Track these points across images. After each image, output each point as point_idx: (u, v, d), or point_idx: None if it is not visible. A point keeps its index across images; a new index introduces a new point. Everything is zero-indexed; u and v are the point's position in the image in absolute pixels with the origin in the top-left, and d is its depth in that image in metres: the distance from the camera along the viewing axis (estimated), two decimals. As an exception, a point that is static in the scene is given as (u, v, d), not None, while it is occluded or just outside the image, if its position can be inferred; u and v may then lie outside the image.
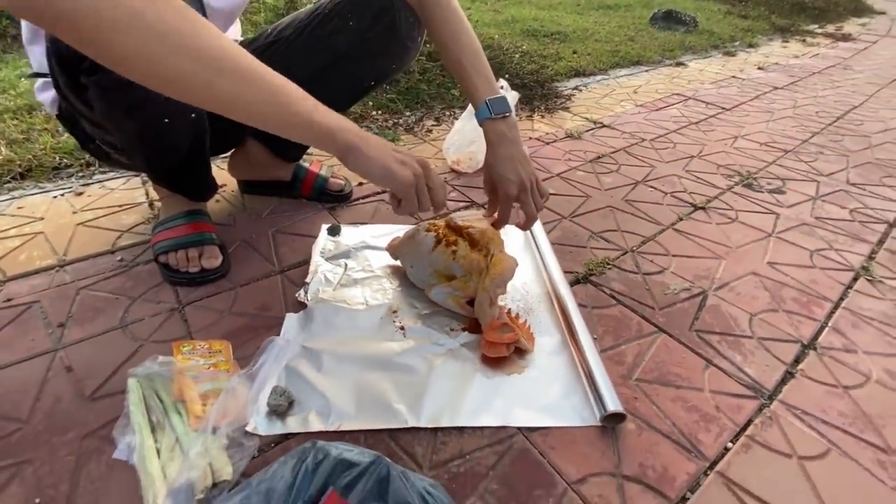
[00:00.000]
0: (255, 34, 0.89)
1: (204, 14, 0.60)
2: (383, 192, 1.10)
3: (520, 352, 0.68)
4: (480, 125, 0.73)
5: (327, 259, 0.86)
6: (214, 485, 0.48)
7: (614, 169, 1.30)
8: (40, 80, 0.71)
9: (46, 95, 0.70)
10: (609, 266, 0.89)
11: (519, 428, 0.58)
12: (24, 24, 0.67)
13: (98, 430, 0.55)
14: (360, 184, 1.12)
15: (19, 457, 0.52)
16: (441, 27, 0.75)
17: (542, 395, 0.62)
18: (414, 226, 0.81)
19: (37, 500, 0.48)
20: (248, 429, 0.55)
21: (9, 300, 0.73)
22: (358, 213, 1.02)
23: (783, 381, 0.67)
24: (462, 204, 1.09)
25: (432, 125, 1.51)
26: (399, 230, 0.93)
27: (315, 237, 0.91)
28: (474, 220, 0.76)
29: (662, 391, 0.64)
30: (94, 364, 0.63)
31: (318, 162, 1.07)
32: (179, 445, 0.52)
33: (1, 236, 0.87)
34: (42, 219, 0.92)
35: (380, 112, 1.52)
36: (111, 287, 0.77)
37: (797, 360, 0.71)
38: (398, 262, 0.83)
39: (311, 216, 0.99)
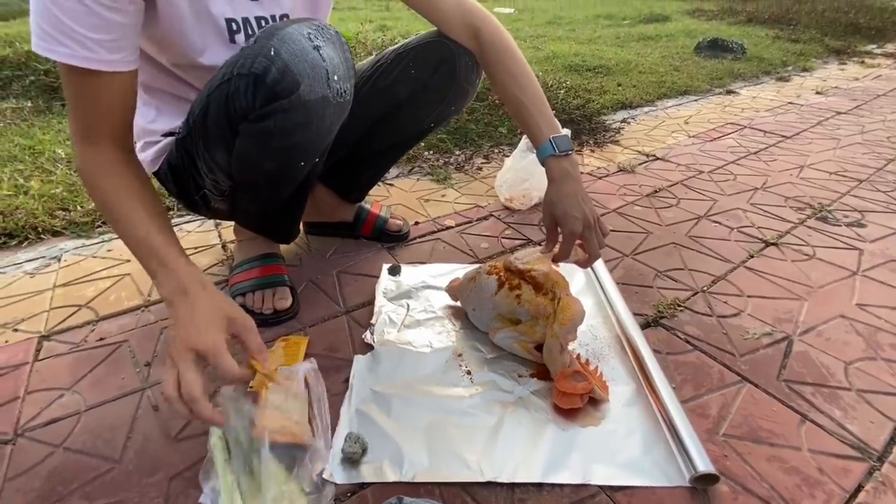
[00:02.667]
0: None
1: None
2: (439, 230, 1.12)
3: (594, 401, 0.65)
4: (542, 163, 0.74)
5: (390, 300, 0.87)
6: (297, 536, 0.48)
7: (673, 203, 1.26)
8: (144, 140, 0.78)
9: (145, 155, 0.77)
10: (680, 308, 0.85)
11: (601, 486, 0.55)
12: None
13: (184, 471, 0.57)
14: (416, 223, 1.14)
15: (113, 496, 0.54)
16: (500, 69, 0.77)
17: (621, 449, 0.59)
18: (474, 267, 0.81)
19: (129, 542, 0.50)
20: (325, 476, 0.55)
21: (101, 339, 0.79)
22: (416, 252, 1.04)
23: (893, 441, 0.61)
24: (518, 242, 1.08)
25: (482, 163, 1.54)
26: (457, 270, 0.94)
27: (376, 277, 0.93)
28: (533, 261, 0.75)
29: (755, 449, 0.59)
30: (178, 404, 0.66)
31: (378, 203, 1.11)
32: (260, 490, 0.53)
33: (94, 277, 0.94)
34: (129, 261, 0.99)
35: (431, 152, 1.57)
36: (191, 327, 0.81)
37: (907, 417, 0.64)
38: (459, 304, 0.83)
39: (372, 256, 1.01)
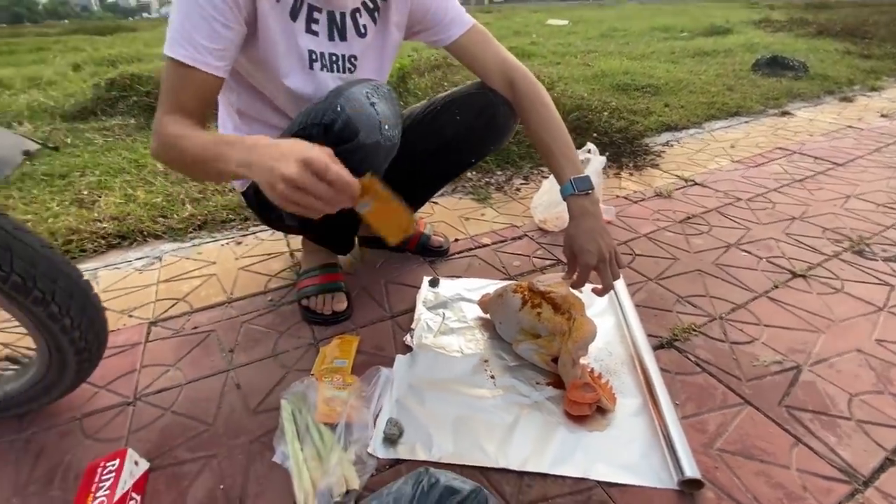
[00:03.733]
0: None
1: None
2: (476, 248, 1.24)
3: (601, 410, 0.74)
4: (564, 199, 0.84)
5: (428, 308, 1.00)
6: (347, 492, 0.61)
7: (705, 230, 1.31)
8: None
9: (236, 181, 0.94)
10: (695, 332, 0.92)
11: (599, 482, 0.64)
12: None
13: (261, 436, 0.72)
14: (456, 240, 1.27)
15: (209, 451, 0.70)
16: (533, 117, 0.88)
17: (621, 452, 0.68)
18: (503, 285, 0.92)
19: (221, 486, 0.65)
20: (369, 451, 0.68)
21: (195, 327, 0.97)
22: (454, 266, 1.16)
23: (882, 468, 0.65)
24: (548, 262, 1.18)
25: (521, 184, 1.64)
26: (489, 285, 1.05)
27: (418, 287, 1.06)
28: (554, 284, 0.84)
29: (745, 464, 0.66)
30: (256, 383, 0.82)
31: (423, 221, 1.25)
32: (319, 456, 0.66)
33: (188, 276, 1.14)
34: (214, 263, 1.19)
35: (474, 172, 1.69)
36: (265, 322, 0.97)
37: (903, 449, 0.68)
38: (488, 316, 0.95)
39: (415, 268, 1.15)
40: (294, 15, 0.77)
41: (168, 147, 0.70)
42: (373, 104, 0.74)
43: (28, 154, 0.51)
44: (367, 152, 0.75)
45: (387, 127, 0.75)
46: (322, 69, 0.83)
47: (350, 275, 1.12)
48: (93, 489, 0.60)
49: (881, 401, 0.76)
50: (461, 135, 0.96)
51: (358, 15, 0.83)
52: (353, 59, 0.86)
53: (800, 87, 2.82)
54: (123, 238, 1.29)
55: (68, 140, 1.98)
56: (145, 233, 1.31)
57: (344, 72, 0.86)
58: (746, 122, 2.32)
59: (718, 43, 4.56)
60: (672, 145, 1.99)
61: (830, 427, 0.72)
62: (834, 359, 0.85)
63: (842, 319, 0.95)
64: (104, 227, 1.30)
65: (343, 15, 0.82)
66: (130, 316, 1.01)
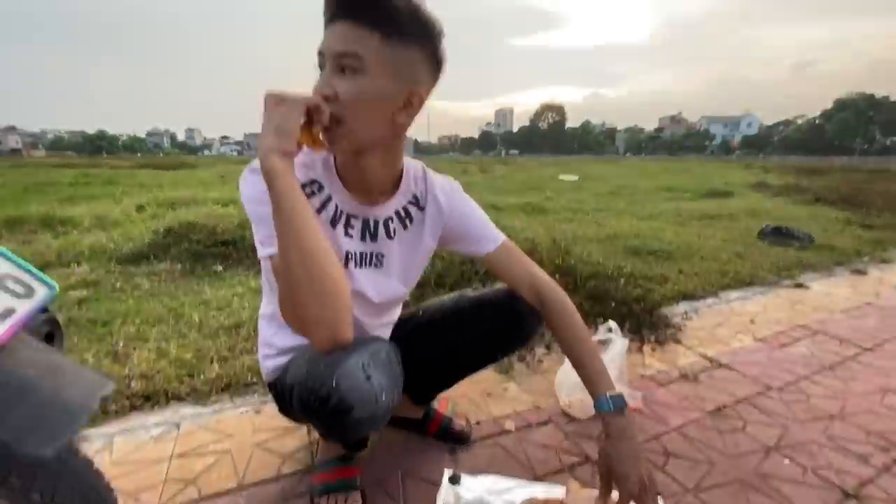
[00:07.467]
0: (410, 312, 1.16)
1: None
2: (499, 434, 1.19)
3: None
4: (598, 415, 0.83)
5: (449, 514, 0.93)
6: None
7: (739, 426, 1.25)
8: (264, 350, 0.98)
9: (265, 365, 0.96)
10: (746, 573, 0.82)
11: None
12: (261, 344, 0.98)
13: None
14: (478, 423, 1.23)
15: None
16: (562, 327, 0.92)
17: None
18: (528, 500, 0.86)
19: None
20: None
21: (200, 522, 0.91)
22: (476, 456, 1.11)
23: None
24: (575, 459, 1.12)
25: (543, 354, 1.64)
26: (514, 488, 0.99)
27: (437, 483, 1.00)
28: None
29: None
30: None
31: (445, 401, 1.23)
32: None
33: (203, 451, 1.11)
34: (231, 436, 1.17)
35: (496, 339, 1.71)
36: (273, 521, 0.91)
37: None
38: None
39: (435, 457, 1.10)
40: (334, 223, 0.86)
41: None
42: (368, 377, 0.72)
43: (105, 400, 0.49)
44: (363, 422, 0.75)
45: (383, 397, 0.75)
46: (356, 266, 0.90)
47: (366, 460, 1.07)
48: None
49: None
50: (488, 336, 1.01)
51: (390, 222, 0.92)
52: (380, 256, 0.92)
53: (808, 258, 2.93)
54: (147, 399, 1.30)
55: (118, 284, 2.13)
56: (169, 394, 1.32)
57: (372, 266, 0.91)
58: (762, 293, 2.37)
59: (722, 206, 4.91)
60: (691, 317, 2.02)
61: None
62: None
63: (915, 565, 0.84)
64: (132, 387, 1.32)
65: (377, 222, 0.90)
66: (136, 501, 0.97)
